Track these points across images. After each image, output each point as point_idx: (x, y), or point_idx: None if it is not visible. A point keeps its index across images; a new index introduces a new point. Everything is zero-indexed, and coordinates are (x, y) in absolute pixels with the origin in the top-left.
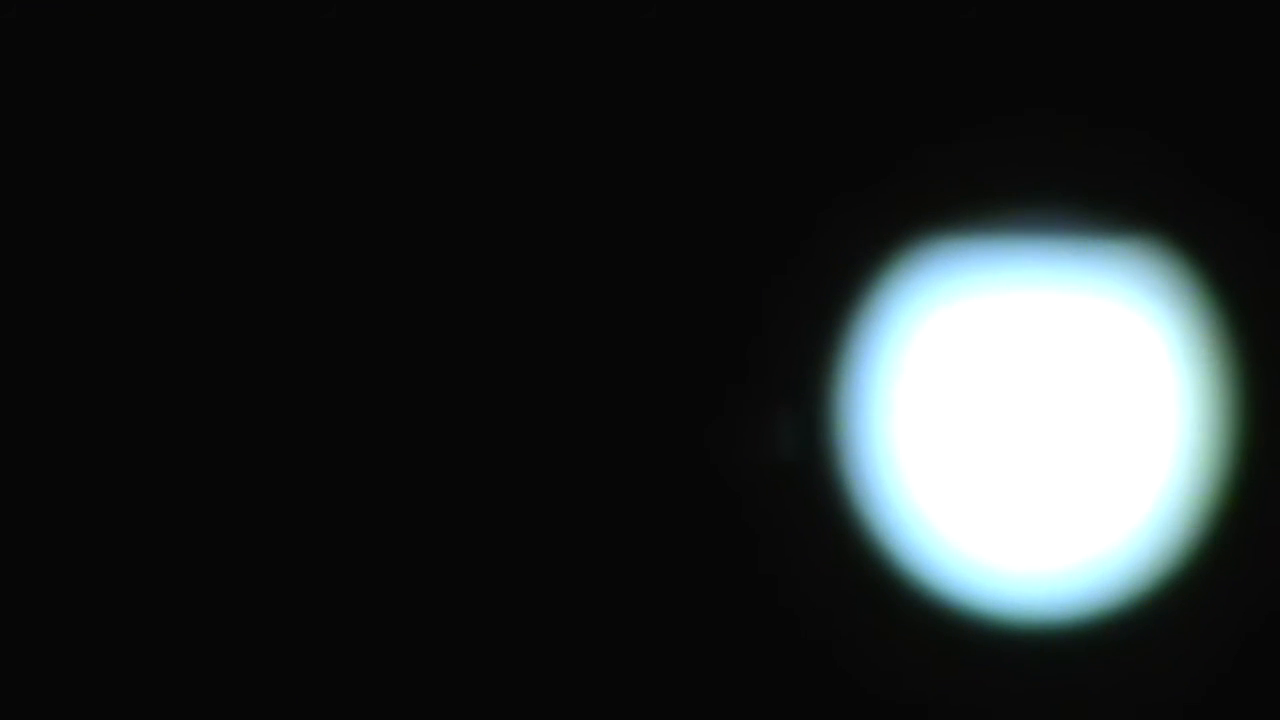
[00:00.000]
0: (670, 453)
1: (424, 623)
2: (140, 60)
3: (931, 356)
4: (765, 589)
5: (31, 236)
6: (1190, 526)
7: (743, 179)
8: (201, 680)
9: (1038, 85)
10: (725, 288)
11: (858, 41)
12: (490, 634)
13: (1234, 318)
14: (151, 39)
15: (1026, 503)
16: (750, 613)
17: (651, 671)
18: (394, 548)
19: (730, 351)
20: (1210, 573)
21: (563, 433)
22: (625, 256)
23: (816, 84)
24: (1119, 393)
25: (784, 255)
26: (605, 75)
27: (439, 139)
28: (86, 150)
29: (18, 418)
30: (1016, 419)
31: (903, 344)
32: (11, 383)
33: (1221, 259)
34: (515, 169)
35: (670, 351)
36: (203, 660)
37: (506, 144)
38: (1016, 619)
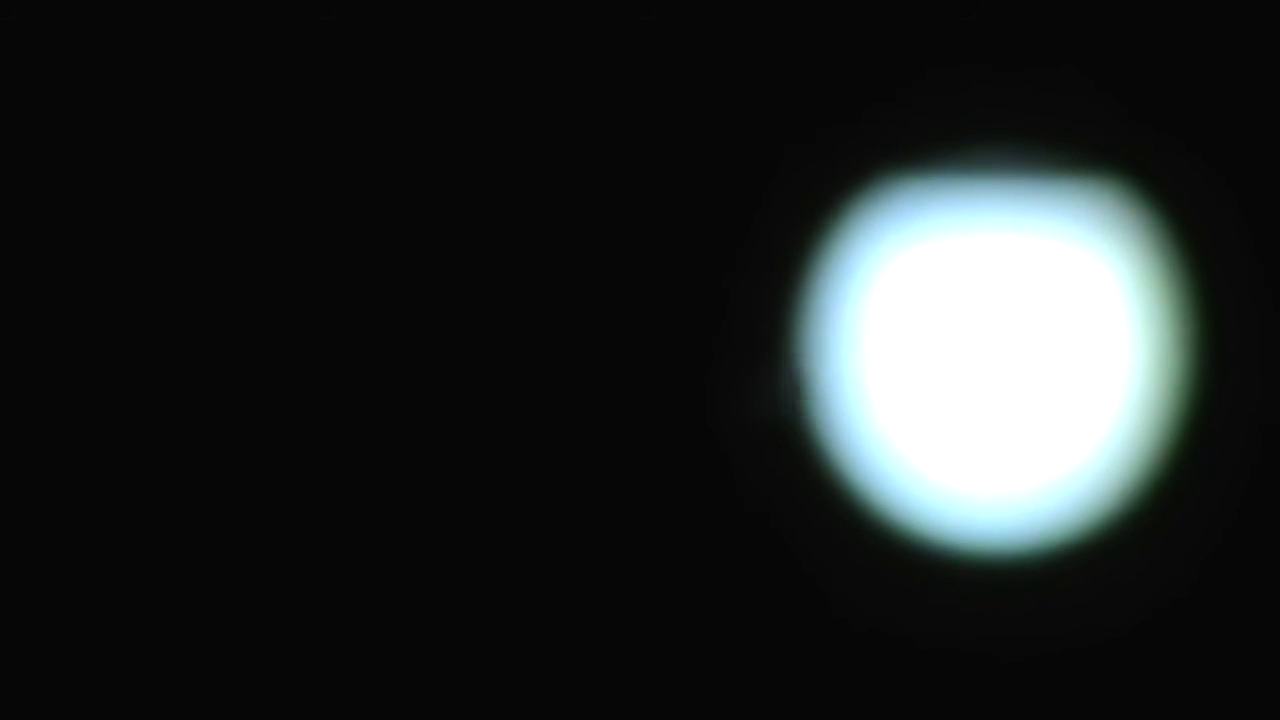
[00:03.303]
0: (643, 406)
1: (421, 591)
2: (140, 60)
3: (895, 297)
4: (744, 535)
5: (31, 236)
6: (1147, 459)
7: (701, 128)
8: (201, 680)
9: (998, 28)
10: (686, 241)
11: None
12: (488, 591)
13: (1189, 255)
14: (151, 39)
15: (991, 436)
16: (734, 561)
17: (644, 631)
18: (388, 524)
19: (697, 303)
20: (1165, 505)
21: (538, 396)
22: (589, 209)
23: (773, 33)
24: (1076, 329)
25: (747, 203)
26: (559, 26)
27: (410, 132)
28: (86, 150)
29: (17, 418)
30: (979, 356)
31: (867, 286)
32: (11, 383)
33: (1178, 199)
34: (480, 143)
35: (631, 307)
36: (202, 660)
37: (471, 123)
38: (985, 548)
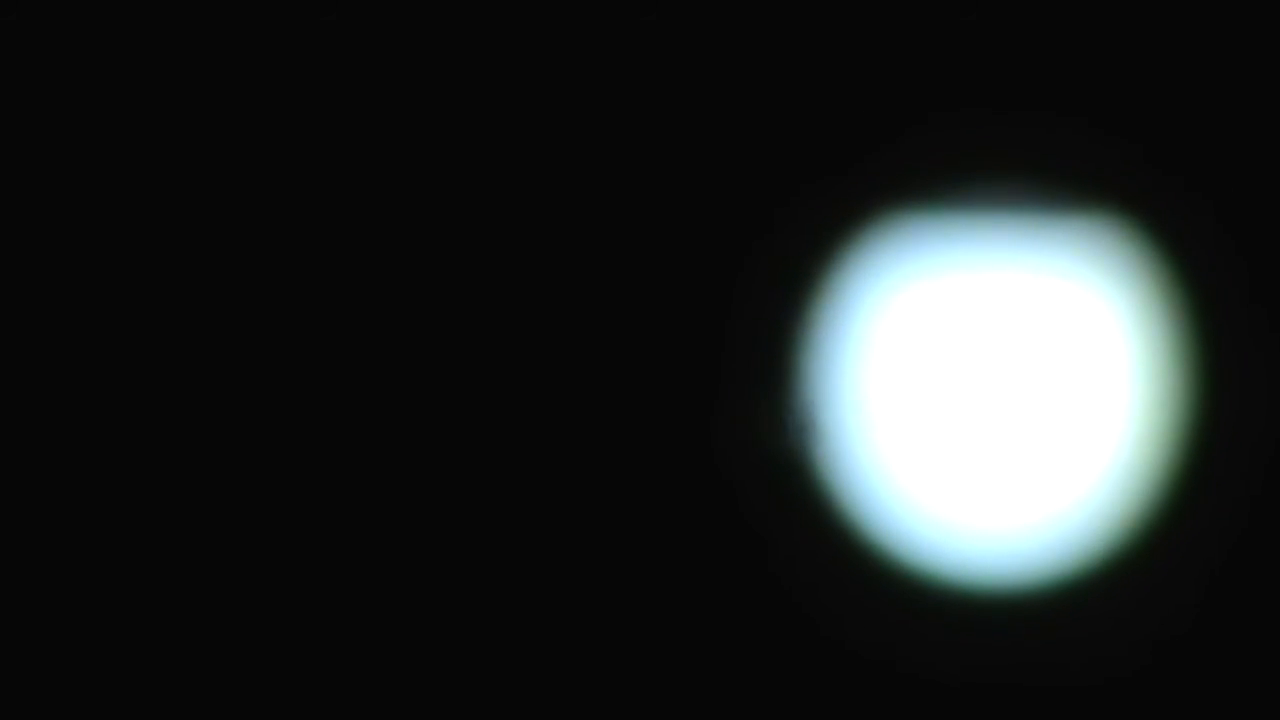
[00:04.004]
0: (644, 436)
1: (414, 595)
2: (140, 60)
3: (897, 332)
4: (746, 565)
5: (31, 236)
6: (1145, 497)
7: (708, 163)
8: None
9: (998, 68)
10: (694, 272)
11: (819, 26)
12: (480, 609)
13: (1187, 293)
14: (151, 39)
15: (992, 472)
16: (733, 589)
17: (638, 654)
18: (382, 530)
19: (701, 334)
20: (1164, 542)
21: (535, 421)
22: (593, 241)
23: (778, 71)
24: (1077, 366)
25: (750, 238)
26: (564, 57)
27: (401, 138)
28: (86, 150)
29: (17, 418)
30: (981, 393)
31: (870, 320)
32: (11, 383)
33: (1177, 237)
34: (475, 160)
35: (639, 336)
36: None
37: (470, 137)
38: (986, 584)
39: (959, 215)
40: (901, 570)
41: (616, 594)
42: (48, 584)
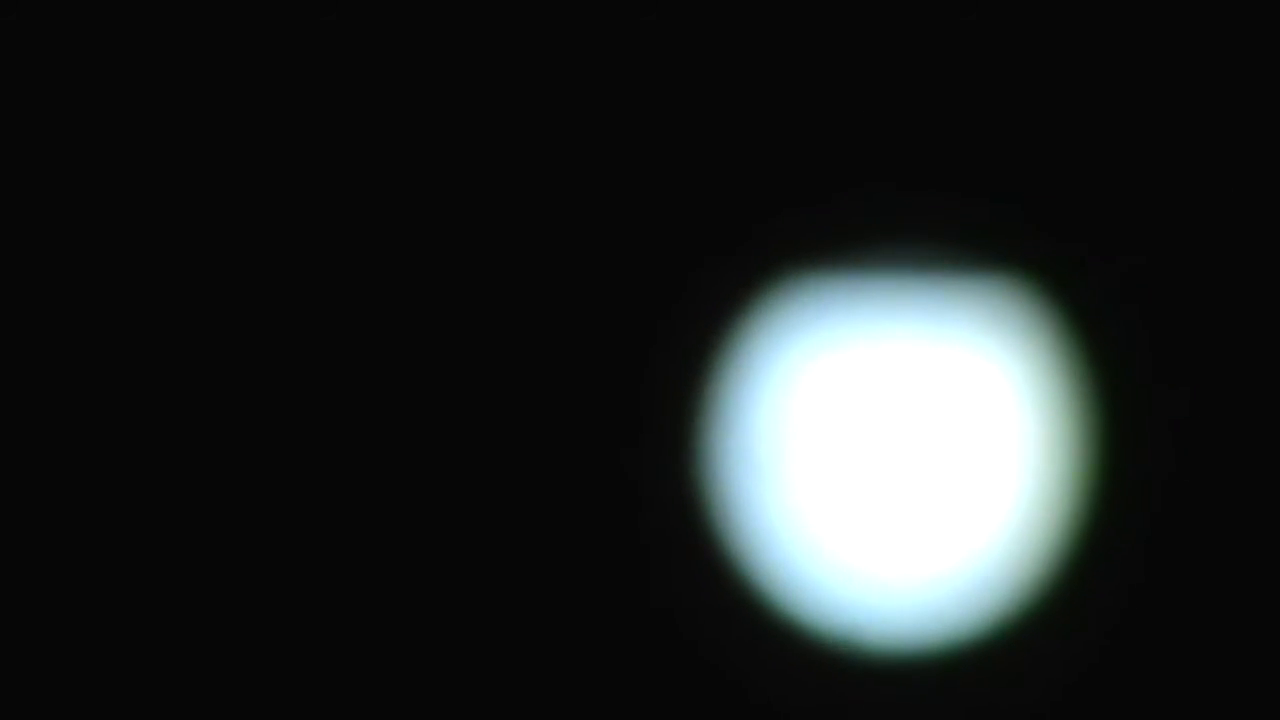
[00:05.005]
0: (548, 482)
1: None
2: (140, 60)
3: (801, 392)
4: (643, 613)
5: (31, 236)
6: (1043, 551)
7: (617, 223)
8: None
9: (900, 136)
10: (601, 325)
11: (727, 90)
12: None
13: (1084, 353)
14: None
15: (888, 528)
16: (629, 638)
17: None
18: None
19: (607, 384)
20: (1061, 600)
21: (446, 449)
22: (505, 288)
23: (678, 133)
24: (973, 423)
25: (659, 291)
26: (474, 127)
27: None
28: (86, 150)
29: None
30: (878, 449)
31: (770, 380)
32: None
33: (1074, 299)
34: (407, 215)
35: (547, 377)
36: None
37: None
38: (885, 641)
39: (861, 278)
40: (802, 625)
41: (517, 629)
42: (48, 584)
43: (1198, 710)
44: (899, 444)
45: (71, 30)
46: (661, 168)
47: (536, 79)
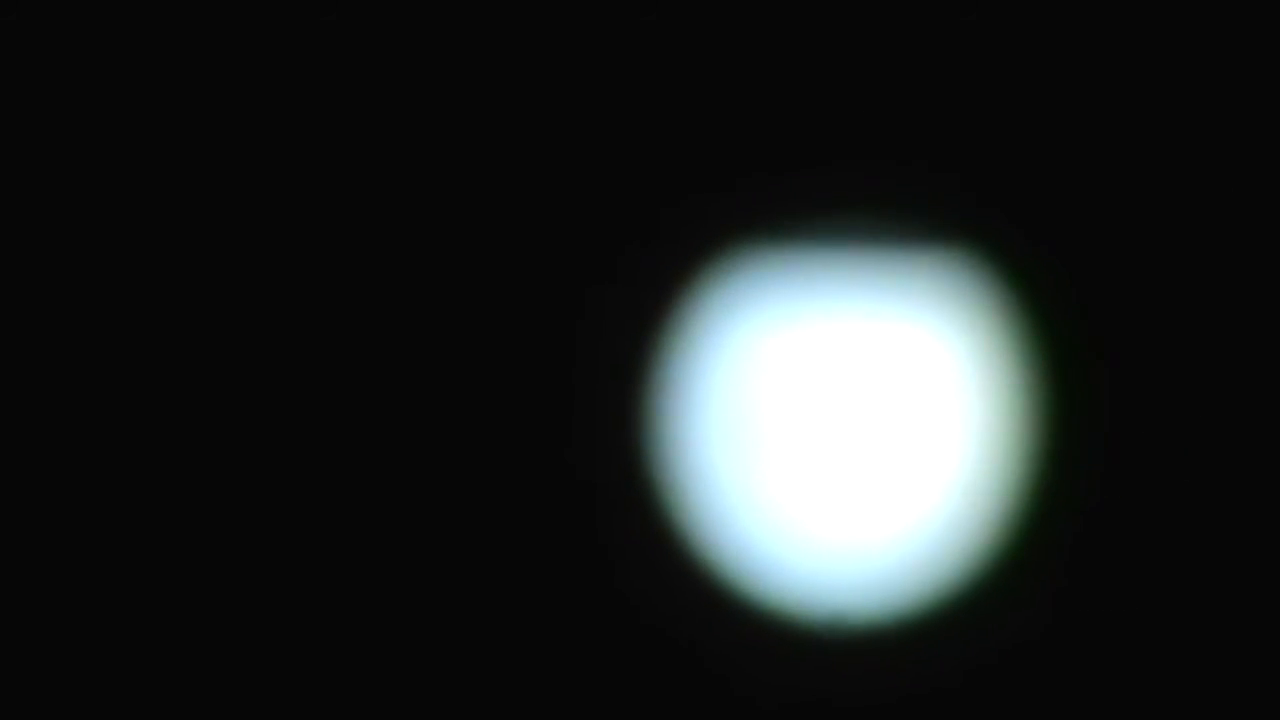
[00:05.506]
0: (491, 462)
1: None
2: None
3: (746, 365)
4: (591, 595)
5: (31, 236)
6: (987, 530)
7: (556, 196)
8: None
9: (843, 101)
10: (544, 299)
11: (670, 65)
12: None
13: (1030, 328)
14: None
15: (837, 499)
16: (579, 619)
17: (480, 674)
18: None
19: (550, 359)
20: (1006, 572)
21: (382, 443)
22: (442, 268)
23: (628, 102)
24: (920, 399)
25: (600, 267)
26: (411, 90)
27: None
28: (86, 150)
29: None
30: (826, 425)
31: (718, 352)
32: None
33: (1018, 272)
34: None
35: (487, 361)
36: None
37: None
38: (828, 609)
39: (805, 250)
40: (749, 595)
41: (460, 606)
42: (48, 584)
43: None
44: (846, 418)
45: (71, 30)
46: (604, 143)
47: (475, 52)
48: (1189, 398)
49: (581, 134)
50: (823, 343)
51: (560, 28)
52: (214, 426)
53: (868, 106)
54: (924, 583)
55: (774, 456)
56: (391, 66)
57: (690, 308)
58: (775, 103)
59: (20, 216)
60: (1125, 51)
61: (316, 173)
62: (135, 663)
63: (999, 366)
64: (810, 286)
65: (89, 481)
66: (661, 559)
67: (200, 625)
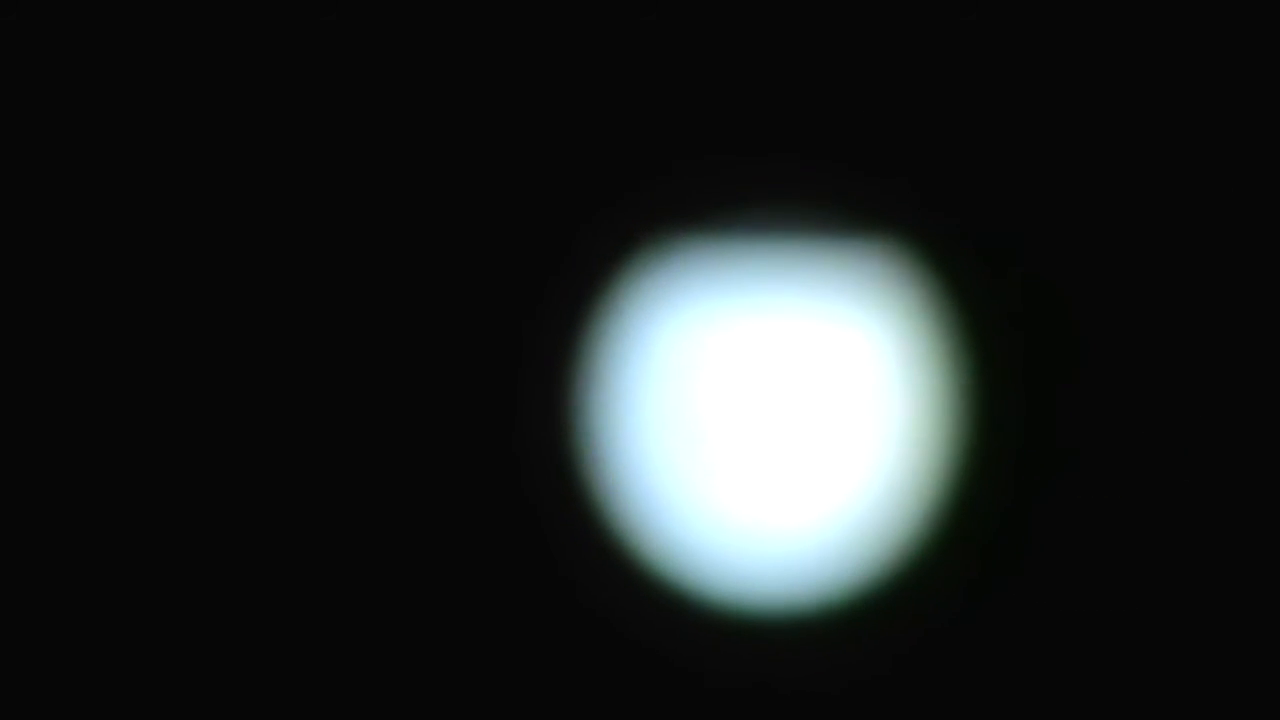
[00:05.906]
0: (426, 454)
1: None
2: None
3: (675, 355)
4: (519, 579)
5: (31, 236)
6: (910, 519)
7: (489, 188)
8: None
9: (774, 95)
10: (478, 288)
11: (599, 58)
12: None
13: (955, 316)
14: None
15: (765, 486)
16: (518, 609)
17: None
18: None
19: (484, 348)
20: (930, 560)
21: (325, 429)
22: (381, 257)
23: (559, 97)
24: (844, 389)
25: (531, 258)
26: (344, 81)
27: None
28: (86, 150)
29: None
30: (754, 412)
31: (648, 342)
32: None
33: (945, 263)
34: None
35: (419, 354)
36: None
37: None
38: (752, 604)
39: (734, 241)
40: (679, 581)
41: (402, 592)
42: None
43: (1064, 668)
44: (772, 408)
45: (71, 30)
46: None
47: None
48: (1115, 387)
49: (512, 129)
50: (752, 334)
51: (488, 27)
52: (174, 418)
53: (799, 101)
54: (853, 571)
55: (705, 446)
56: (325, 62)
57: (620, 300)
58: (706, 97)
59: (20, 216)
60: (1057, 40)
61: (261, 167)
62: (130, 659)
63: (925, 357)
64: (740, 278)
65: (72, 472)
66: (597, 549)
67: (167, 619)
